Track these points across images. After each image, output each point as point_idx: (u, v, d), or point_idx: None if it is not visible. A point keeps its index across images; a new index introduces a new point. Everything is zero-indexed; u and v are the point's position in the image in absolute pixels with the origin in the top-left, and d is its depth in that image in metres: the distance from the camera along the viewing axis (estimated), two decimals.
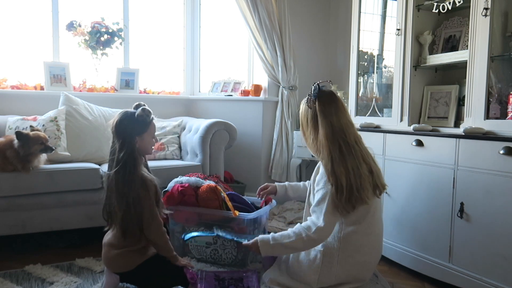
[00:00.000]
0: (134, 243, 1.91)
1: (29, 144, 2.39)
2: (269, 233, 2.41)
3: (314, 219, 1.84)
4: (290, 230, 1.88)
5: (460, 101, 2.39)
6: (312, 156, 3.30)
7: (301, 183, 2.35)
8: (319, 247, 1.88)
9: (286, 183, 2.35)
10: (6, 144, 2.41)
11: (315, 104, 1.90)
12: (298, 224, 1.89)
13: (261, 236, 1.94)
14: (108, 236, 1.98)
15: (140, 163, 1.94)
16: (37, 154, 2.45)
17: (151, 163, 2.75)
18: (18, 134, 2.38)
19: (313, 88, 1.92)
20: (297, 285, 1.91)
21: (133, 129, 1.89)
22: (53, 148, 2.52)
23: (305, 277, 1.89)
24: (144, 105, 1.95)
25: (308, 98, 1.95)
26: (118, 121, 1.90)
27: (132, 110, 1.96)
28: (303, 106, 1.99)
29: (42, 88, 3.25)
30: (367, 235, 1.89)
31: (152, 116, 1.95)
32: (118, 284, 2.01)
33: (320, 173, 1.91)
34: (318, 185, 1.88)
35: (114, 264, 1.92)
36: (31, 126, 2.59)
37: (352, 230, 1.87)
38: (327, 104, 1.88)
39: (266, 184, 2.35)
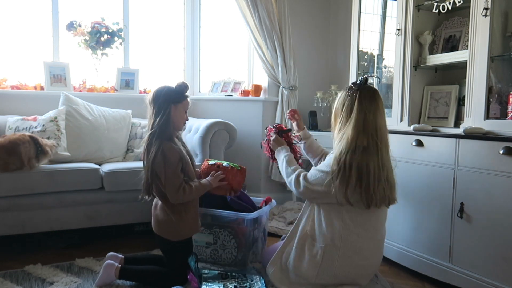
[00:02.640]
0: (175, 211, 2.01)
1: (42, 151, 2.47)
2: (269, 233, 2.42)
3: (309, 176, 1.94)
4: (293, 167, 2.03)
5: (460, 101, 2.39)
6: None
7: (321, 147, 2.34)
8: (320, 243, 1.89)
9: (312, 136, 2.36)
10: (22, 139, 2.41)
11: (355, 95, 1.86)
12: (301, 169, 2.01)
13: (283, 148, 2.15)
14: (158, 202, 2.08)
15: (172, 133, 2.03)
16: (49, 153, 2.50)
17: None
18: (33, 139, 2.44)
19: (360, 79, 1.89)
20: (296, 279, 1.92)
21: (169, 97, 2.00)
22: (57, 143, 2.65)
23: (305, 271, 1.90)
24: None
25: (350, 87, 1.91)
26: (157, 90, 2.02)
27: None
28: (343, 93, 1.93)
29: (42, 88, 3.25)
30: (368, 239, 1.90)
31: (187, 90, 2.07)
32: (113, 281, 2.06)
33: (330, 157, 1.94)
34: (326, 161, 1.94)
35: (160, 228, 2.06)
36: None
37: (355, 232, 1.87)
38: (367, 99, 1.85)
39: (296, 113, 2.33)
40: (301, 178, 1.95)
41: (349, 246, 1.87)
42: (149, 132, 1.99)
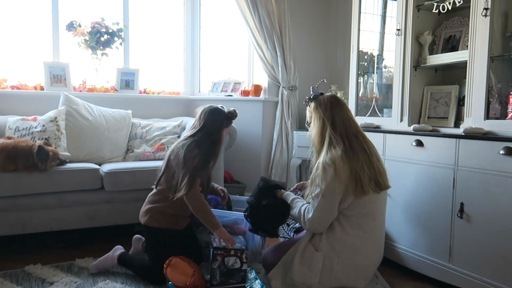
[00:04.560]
0: (174, 207, 2.15)
1: (48, 161, 2.43)
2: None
3: (310, 209, 1.91)
4: (300, 204, 1.98)
5: (460, 101, 2.39)
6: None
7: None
8: (320, 249, 1.90)
9: None
10: (25, 151, 2.40)
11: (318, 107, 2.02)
12: (305, 203, 1.96)
13: (289, 194, 2.11)
14: (152, 197, 2.24)
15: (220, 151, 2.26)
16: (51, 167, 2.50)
17: (151, 163, 2.76)
18: (40, 150, 2.40)
19: (312, 94, 2.06)
20: (299, 286, 1.92)
21: (222, 122, 2.22)
22: (67, 161, 2.62)
23: (307, 279, 1.89)
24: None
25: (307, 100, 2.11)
26: (212, 110, 2.21)
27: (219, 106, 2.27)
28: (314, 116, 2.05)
29: (42, 88, 3.25)
30: (366, 239, 1.90)
31: (235, 118, 2.28)
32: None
33: (319, 168, 1.90)
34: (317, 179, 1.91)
35: (148, 217, 2.19)
36: (45, 139, 2.64)
37: (354, 234, 1.88)
38: (324, 105, 2.02)
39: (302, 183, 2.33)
40: (305, 215, 1.93)
41: (348, 248, 1.87)
42: (193, 139, 2.13)
